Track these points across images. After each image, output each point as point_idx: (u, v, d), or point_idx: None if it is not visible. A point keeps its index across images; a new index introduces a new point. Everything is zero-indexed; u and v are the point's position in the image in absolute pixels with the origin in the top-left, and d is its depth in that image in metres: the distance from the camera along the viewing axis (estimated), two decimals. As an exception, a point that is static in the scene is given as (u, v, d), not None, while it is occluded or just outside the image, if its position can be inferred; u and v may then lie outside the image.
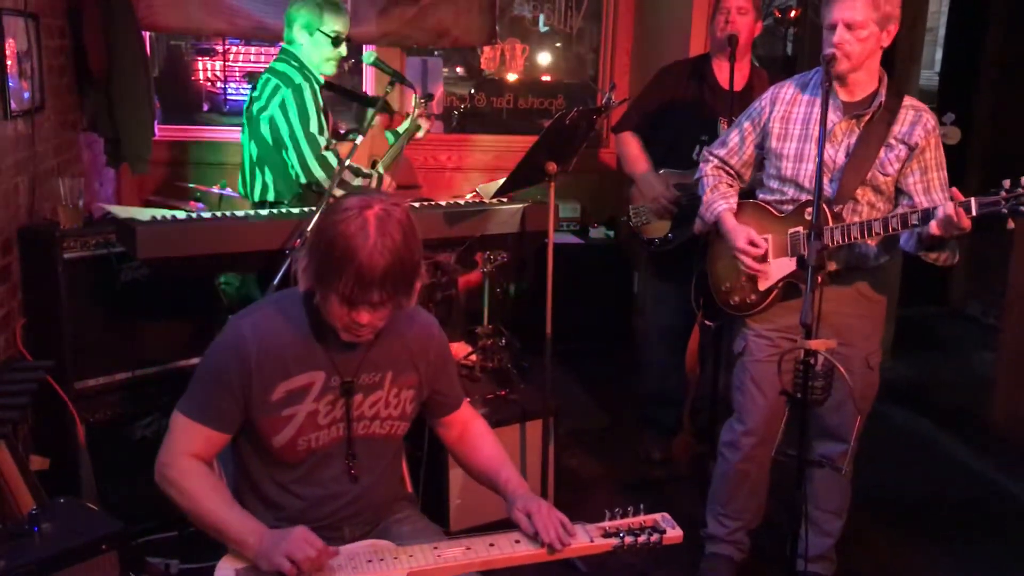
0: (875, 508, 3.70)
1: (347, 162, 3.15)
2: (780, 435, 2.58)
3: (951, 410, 4.85)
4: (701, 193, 3.03)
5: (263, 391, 1.95)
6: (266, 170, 3.44)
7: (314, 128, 3.30)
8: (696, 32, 4.68)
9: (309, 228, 2.72)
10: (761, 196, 2.94)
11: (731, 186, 3.00)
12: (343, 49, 3.49)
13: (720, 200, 2.94)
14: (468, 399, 2.33)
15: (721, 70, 3.68)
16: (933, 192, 2.72)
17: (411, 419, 2.15)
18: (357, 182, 3.36)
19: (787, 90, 2.88)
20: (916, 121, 2.72)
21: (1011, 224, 2.42)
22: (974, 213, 2.41)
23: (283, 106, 3.31)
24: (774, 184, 2.88)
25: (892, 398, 4.90)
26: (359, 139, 3.17)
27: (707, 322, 3.38)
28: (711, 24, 3.77)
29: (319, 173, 3.28)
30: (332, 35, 3.42)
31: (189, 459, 1.95)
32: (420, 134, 3.82)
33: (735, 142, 2.99)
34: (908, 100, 2.76)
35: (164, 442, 1.98)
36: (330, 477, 2.06)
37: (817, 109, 2.76)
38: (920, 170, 2.73)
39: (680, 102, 3.78)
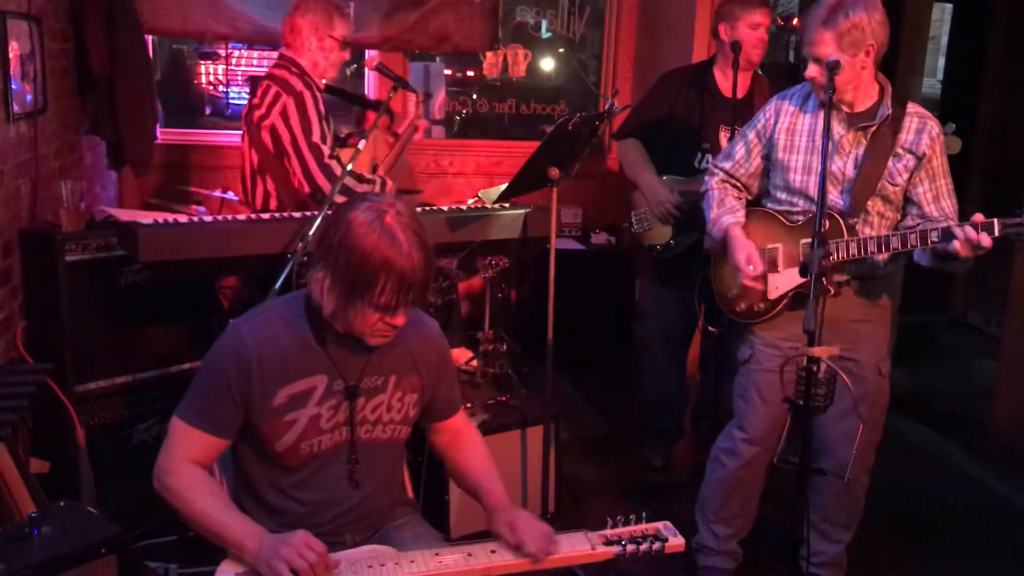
0: (876, 515, 3.68)
1: (349, 167, 3.14)
2: (783, 442, 2.57)
3: (952, 418, 4.84)
4: (707, 208, 2.99)
5: (264, 396, 1.94)
6: (267, 178, 3.43)
7: (317, 137, 3.28)
8: (698, 39, 4.68)
9: (315, 243, 2.32)
10: (769, 206, 2.93)
11: (738, 199, 2.97)
12: (347, 53, 3.49)
13: (727, 215, 2.90)
14: (463, 408, 2.32)
15: (726, 77, 3.67)
16: (942, 200, 2.74)
17: (412, 423, 2.15)
18: (361, 189, 3.34)
19: (790, 101, 2.88)
20: (921, 129, 2.72)
21: None
22: (997, 234, 2.42)
23: (284, 114, 3.29)
24: (782, 195, 2.88)
25: (893, 406, 4.86)
26: (362, 144, 3.17)
27: (710, 328, 3.38)
28: (725, 30, 3.72)
29: (323, 182, 3.26)
30: (340, 40, 3.42)
31: (188, 465, 1.94)
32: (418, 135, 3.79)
33: (741, 154, 2.97)
34: (912, 108, 2.76)
35: (163, 448, 1.97)
36: (331, 482, 2.05)
37: (821, 120, 2.76)
38: (929, 179, 2.74)
39: (681, 109, 3.78)
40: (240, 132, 3.53)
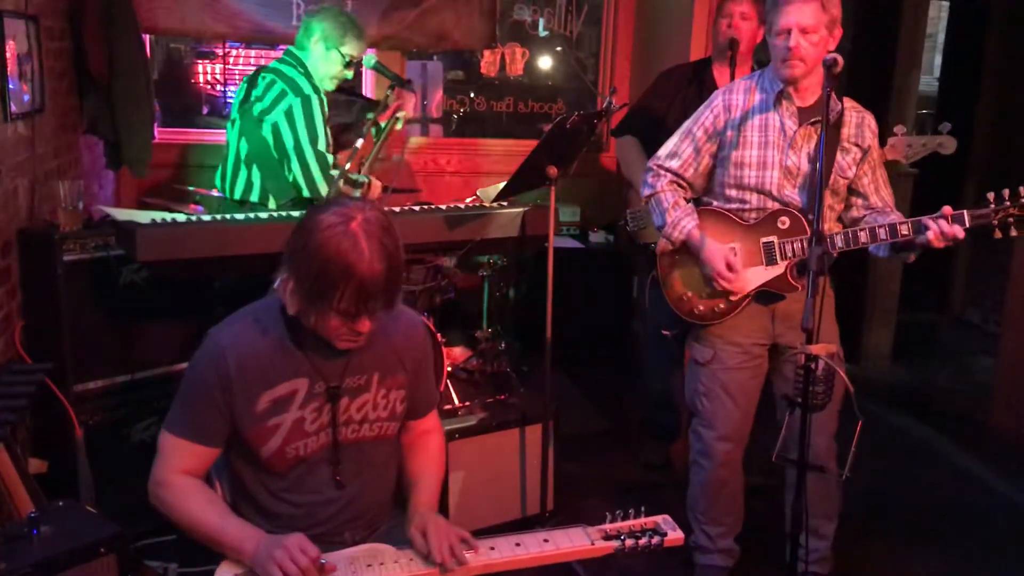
0: (874, 513, 3.70)
1: (347, 166, 3.13)
2: (781, 440, 2.57)
3: (951, 416, 4.85)
4: (658, 211, 2.93)
5: (247, 402, 1.94)
6: (254, 169, 3.41)
7: (322, 145, 3.28)
8: (696, 37, 4.69)
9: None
10: (716, 205, 2.90)
11: (689, 201, 2.93)
12: (350, 73, 3.48)
13: (686, 217, 2.86)
14: (436, 409, 2.29)
15: (722, 75, 3.68)
16: (881, 189, 2.84)
17: (401, 418, 2.14)
18: (356, 193, 3.32)
19: (738, 95, 2.85)
20: (860, 123, 2.80)
21: (998, 235, 2.53)
22: (967, 225, 2.54)
23: (290, 115, 3.28)
24: (732, 192, 2.85)
25: (892, 403, 4.91)
26: (359, 142, 3.17)
27: (664, 332, 3.37)
28: (713, 28, 3.78)
29: (324, 191, 3.26)
30: (347, 57, 3.41)
31: (181, 476, 1.95)
32: (399, 125, 3.73)
33: (689, 153, 2.90)
34: (848, 102, 2.81)
35: (155, 462, 1.98)
36: (322, 483, 2.05)
37: (773, 115, 2.78)
38: (871, 170, 2.82)
39: (680, 107, 3.77)
40: (231, 121, 3.51)
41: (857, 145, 2.77)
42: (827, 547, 3.08)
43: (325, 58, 3.41)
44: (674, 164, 2.93)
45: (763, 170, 2.78)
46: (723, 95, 2.88)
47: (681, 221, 2.87)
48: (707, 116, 2.88)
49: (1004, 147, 6.14)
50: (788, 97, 2.76)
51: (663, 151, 2.97)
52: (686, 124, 2.95)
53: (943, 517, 3.81)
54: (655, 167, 2.97)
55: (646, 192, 2.99)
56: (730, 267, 2.78)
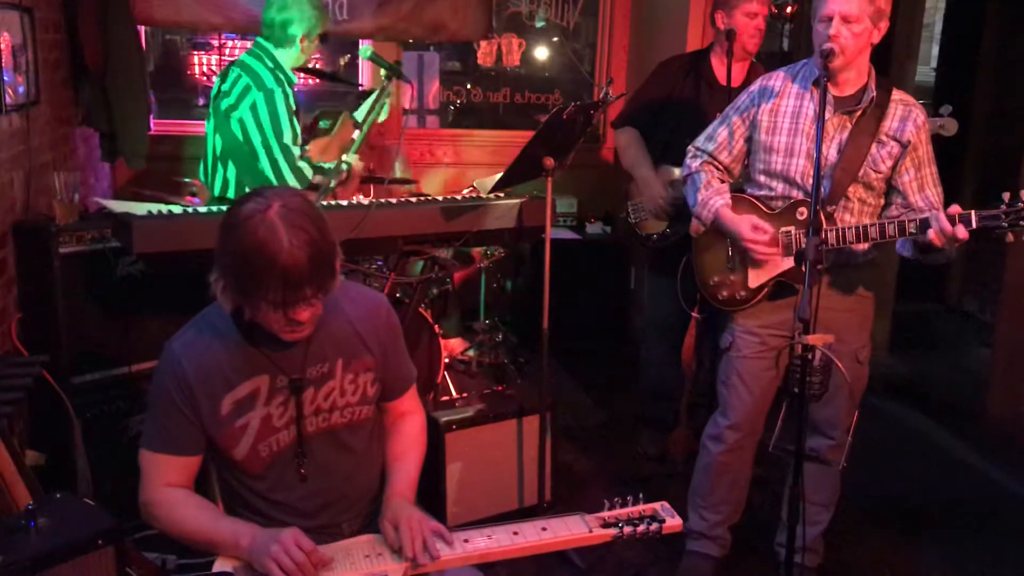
0: (870, 503, 3.71)
1: (328, 166, 3.14)
2: (778, 430, 2.58)
3: (947, 406, 4.85)
4: (691, 190, 2.94)
5: (211, 407, 1.93)
6: (229, 165, 3.41)
7: (287, 138, 3.27)
8: (693, 27, 4.67)
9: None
10: (749, 191, 2.90)
11: (722, 182, 2.93)
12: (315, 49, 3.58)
13: (715, 196, 2.86)
14: (415, 387, 2.24)
15: (722, 66, 3.66)
16: (927, 189, 2.71)
17: (374, 400, 2.10)
18: (332, 184, 3.31)
19: (775, 82, 2.83)
20: (906, 117, 2.69)
21: (1010, 238, 2.39)
22: (974, 226, 2.40)
23: (254, 110, 3.27)
24: (762, 179, 2.84)
25: (888, 394, 4.91)
26: (356, 133, 3.16)
27: (694, 314, 3.38)
28: (722, 17, 3.71)
29: (293, 183, 3.27)
30: (320, 40, 3.47)
31: (167, 490, 1.96)
32: (383, 113, 3.71)
33: (723, 136, 2.91)
34: (897, 94, 2.73)
35: (141, 482, 1.98)
36: (303, 476, 2.04)
37: (807, 102, 2.75)
38: (915, 167, 2.70)
39: (678, 97, 3.77)
40: (208, 116, 3.52)
41: (896, 139, 2.68)
42: (813, 536, 3.03)
43: (308, 49, 3.47)
44: (710, 146, 2.95)
45: (790, 157, 2.76)
46: (762, 80, 2.88)
47: (710, 200, 2.86)
48: (743, 100, 2.89)
49: (1001, 137, 6.14)
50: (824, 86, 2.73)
51: (703, 134, 3.00)
52: (726, 109, 2.96)
53: (940, 507, 3.82)
54: (693, 149, 3.00)
55: (683, 172, 3.03)
56: (757, 228, 2.73)
